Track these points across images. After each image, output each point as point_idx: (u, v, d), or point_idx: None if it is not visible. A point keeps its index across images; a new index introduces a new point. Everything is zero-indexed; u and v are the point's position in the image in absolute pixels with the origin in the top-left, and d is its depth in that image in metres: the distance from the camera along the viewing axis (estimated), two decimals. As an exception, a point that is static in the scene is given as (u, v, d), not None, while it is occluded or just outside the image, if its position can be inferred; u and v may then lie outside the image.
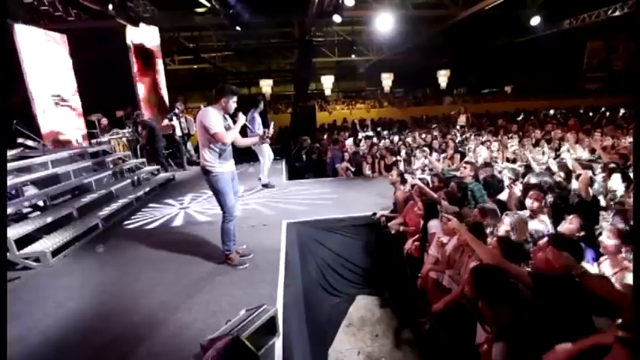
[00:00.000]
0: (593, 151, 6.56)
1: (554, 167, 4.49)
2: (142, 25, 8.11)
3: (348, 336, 3.85)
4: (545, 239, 2.04)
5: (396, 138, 8.74)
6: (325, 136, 9.31)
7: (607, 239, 2.21)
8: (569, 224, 2.56)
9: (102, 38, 8.11)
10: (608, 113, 11.44)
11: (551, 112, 13.66)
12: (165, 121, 7.88)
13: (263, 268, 3.12)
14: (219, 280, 2.97)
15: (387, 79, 18.81)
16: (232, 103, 2.99)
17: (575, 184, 3.77)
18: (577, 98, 16.14)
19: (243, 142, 3.33)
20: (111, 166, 6.10)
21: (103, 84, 7.90)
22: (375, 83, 20.10)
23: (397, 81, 19.06)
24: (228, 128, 2.99)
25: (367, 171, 6.51)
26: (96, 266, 3.43)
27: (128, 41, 8.25)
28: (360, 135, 9.59)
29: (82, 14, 7.52)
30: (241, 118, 3.10)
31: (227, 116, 3.03)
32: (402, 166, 6.32)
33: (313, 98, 17.68)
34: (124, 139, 7.47)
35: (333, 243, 4.32)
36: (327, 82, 18.44)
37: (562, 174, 4.13)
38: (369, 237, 4.39)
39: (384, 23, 9.48)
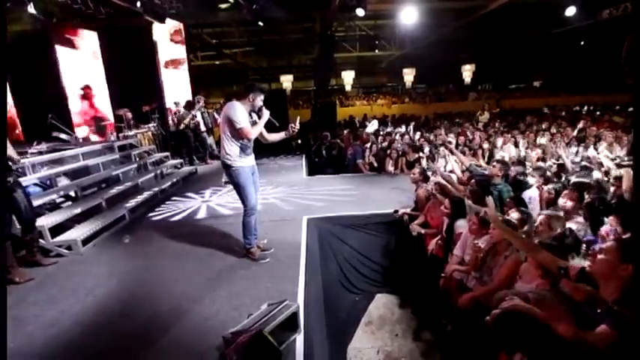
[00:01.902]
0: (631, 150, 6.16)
1: (608, 163, 4.21)
2: (168, 20, 8.29)
3: (367, 334, 3.81)
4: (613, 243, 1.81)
5: (418, 134, 8.53)
6: (346, 132, 9.21)
7: None
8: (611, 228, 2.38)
9: (130, 35, 8.33)
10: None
11: (585, 108, 12.91)
12: (189, 117, 8.04)
13: (284, 263, 3.12)
14: (240, 274, 3.00)
15: (408, 75, 18.38)
16: (259, 101, 3.01)
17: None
18: (614, 94, 15.19)
19: (272, 137, 3.29)
20: (137, 159, 6.29)
21: (130, 80, 8.15)
22: (397, 79, 19.71)
23: (419, 76, 18.59)
24: (253, 124, 3.02)
25: (389, 167, 6.39)
26: (122, 256, 3.55)
27: (155, 38, 8.46)
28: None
29: (111, 12, 7.74)
30: (266, 114, 3.07)
31: (253, 113, 3.05)
32: (424, 163, 6.16)
33: (333, 94, 17.56)
34: (149, 133, 7.68)
35: (353, 240, 4.26)
36: (348, 77, 18.23)
37: (601, 173, 3.87)
38: (390, 235, 4.31)
39: (409, 16, 9.23)
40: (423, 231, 3.65)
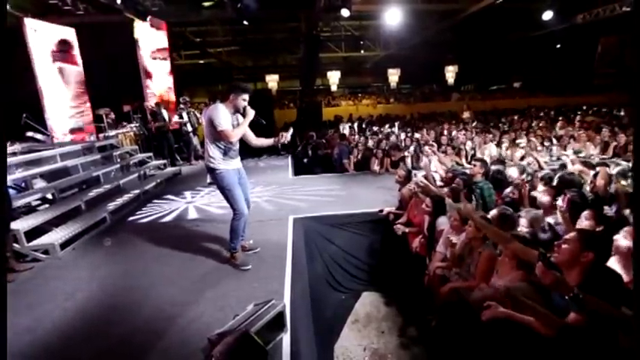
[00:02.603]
0: (604, 149, 6.45)
1: (570, 165, 4.40)
2: (149, 18, 8.11)
3: (354, 332, 3.84)
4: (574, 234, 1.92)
5: (403, 134, 8.65)
6: (331, 131, 9.25)
7: (622, 239, 2.13)
8: (586, 221, 2.48)
9: (110, 32, 8.10)
10: (622, 111, 11.21)
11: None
12: (176, 118, 7.90)
13: (270, 264, 3.11)
14: (226, 275, 2.97)
15: (393, 75, 18.62)
16: (241, 101, 2.88)
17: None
18: (589, 95, 15.83)
19: (259, 142, 3.16)
20: (118, 160, 6.14)
21: (110, 78, 7.93)
22: (382, 79, 19.91)
23: (404, 77, 18.85)
24: (238, 126, 2.93)
25: (375, 167, 6.46)
26: (103, 259, 3.46)
27: (136, 35, 8.26)
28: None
29: (90, 8, 7.51)
30: (250, 113, 2.93)
31: (239, 115, 2.95)
32: (409, 162, 6.25)
33: (319, 94, 17.58)
34: (131, 134, 7.50)
35: (339, 239, 4.29)
36: (334, 77, 18.30)
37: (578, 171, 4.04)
38: (375, 233, 4.36)
39: (393, 17, 9.36)
40: (407, 230, 3.72)
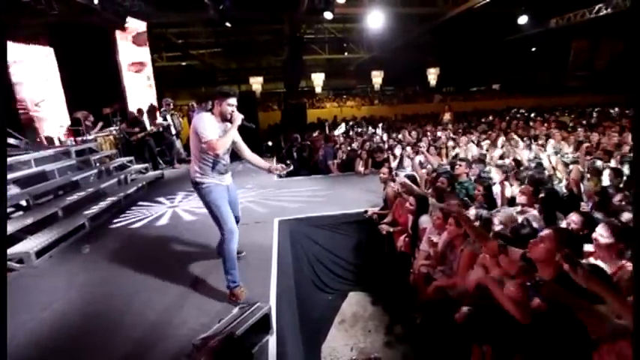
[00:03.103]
0: (578, 147, 6.73)
1: (546, 162, 4.57)
2: (129, 19, 7.94)
3: (341, 332, 3.86)
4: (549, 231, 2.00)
5: (385, 135, 8.77)
6: (316, 133, 9.28)
7: (601, 236, 2.15)
8: (570, 224, 2.53)
9: (88, 33, 7.87)
10: (594, 112, 11.74)
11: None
12: (160, 119, 7.74)
13: (255, 266, 3.09)
14: (210, 279, 2.93)
15: (377, 77, 18.85)
16: (226, 106, 2.56)
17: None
18: (563, 96, 16.49)
19: (253, 158, 2.89)
20: (97, 164, 5.96)
21: (88, 80, 7.70)
22: (366, 81, 20.12)
23: (387, 79, 19.11)
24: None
25: (360, 168, 6.52)
26: (82, 267, 3.35)
27: (115, 36, 8.06)
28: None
29: (66, 8, 7.27)
30: (237, 119, 2.59)
31: (227, 124, 2.62)
32: (394, 163, 6.34)
33: (304, 96, 17.60)
34: (111, 137, 7.31)
35: (325, 240, 4.31)
36: (318, 79, 18.37)
37: (552, 169, 4.21)
38: (360, 234, 4.40)
39: (375, 20, 9.50)
40: (391, 229, 3.77)
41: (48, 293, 2.88)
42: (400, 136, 8.39)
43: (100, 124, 7.21)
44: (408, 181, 3.71)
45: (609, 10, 9.46)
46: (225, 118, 2.60)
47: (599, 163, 4.18)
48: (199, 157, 2.58)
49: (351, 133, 9.47)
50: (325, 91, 20.64)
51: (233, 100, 2.59)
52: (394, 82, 20.44)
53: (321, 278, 4.25)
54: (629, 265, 1.97)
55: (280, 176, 2.79)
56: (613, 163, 4.44)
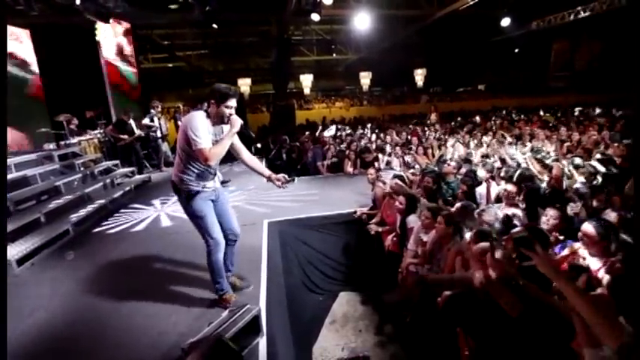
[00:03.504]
0: (561, 146, 6.93)
1: (521, 161, 4.70)
2: (112, 21, 7.80)
3: (332, 332, 3.87)
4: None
5: (374, 136, 8.85)
6: (305, 135, 9.29)
7: (589, 229, 2.21)
8: (549, 219, 2.62)
9: (70, 34, 7.70)
10: (576, 111, 12.10)
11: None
12: (146, 120, 7.61)
13: (245, 269, 3.07)
14: (199, 283, 2.90)
15: (365, 78, 18.99)
16: (224, 109, 2.21)
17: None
18: (545, 96, 16.94)
19: (252, 162, 2.55)
20: (81, 168, 5.83)
21: (71, 83, 7.53)
22: (354, 82, 20.25)
23: (375, 80, 19.28)
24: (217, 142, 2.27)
25: (348, 168, 6.55)
26: (67, 274, 3.27)
27: (98, 38, 7.91)
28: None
29: (46, 8, 7.09)
30: (235, 124, 2.25)
31: (224, 127, 2.32)
32: (383, 163, 6.40)
33: (292, 97, 17.60)
34: (95, 141, 7.16)
35: (314, 241, 4.32)
36: (306, 80, 18.40)
37: (534, 167, 4.32)
38: (350, 234, 4.43)
39: (362, 22, 9.58)
40: (380, 229, 3.81)
41: (31, 302, 2.80)
42: (388, 137, 8.48)
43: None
44: (399, 182, 3.76)
45: (588, 12, 9.78)
46: (222, 121, 2.28)
47: (578, 160, 4.31)
48: (185, 161, 2.27)
49: (339, 134, 9.51)
50: (314, 93, 20.69)
51: (233, 102, 2.23)
52: (382, 83, 20.63)
53: (312, 279, 4.25)
54: (615, 261, 2.05)
55: (282, 187, 2.48)
56: (594, 162, 4.59)
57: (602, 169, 3.74)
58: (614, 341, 1.12)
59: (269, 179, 2.49)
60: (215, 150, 2.21)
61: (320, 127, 11.27)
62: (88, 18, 6.89)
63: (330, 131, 10.07)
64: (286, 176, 2.48)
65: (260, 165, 2.65)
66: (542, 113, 12.42)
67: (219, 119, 2.27)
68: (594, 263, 2.16)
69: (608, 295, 1.58)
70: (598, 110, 11.56)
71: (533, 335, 1.72)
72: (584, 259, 2.21)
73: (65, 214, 4.39)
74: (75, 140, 6.59)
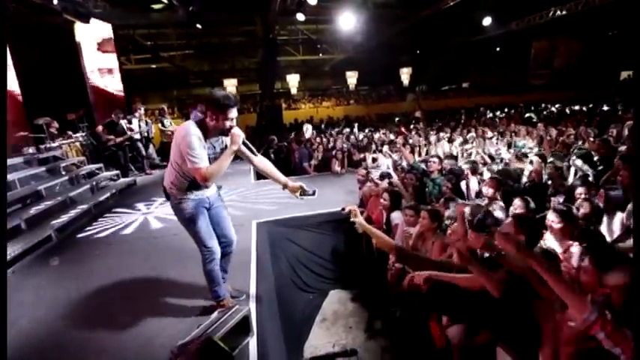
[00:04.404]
0: (540, 142, 7.15)
1: (508, 157, 4.84)
2: (92, 21, 7.63)
3: (323, 330, 3.90)
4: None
5: (361, 135, 8.92)
6: (292, 135, 9.30)
7: (553, 222, 2.41)
8: (516, 209, 2.76)
9: (48, 35, 7.48)
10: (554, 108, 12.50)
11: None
12: (123, 124, 7.44)
13: (234, 270, 3.06)
14: (187, 286, 2.89)
15: (351, 77, 19.10)
16: (224, 122, 2.01)
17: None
18: (526, 94, 17.41)
19: (269, 170, 2.38)
20: (63, 172, 5.69)
21: (50, 85, 7.32)
22: (341, 81, 20.35)
23: (362, 79, 19.42)
24: (216, 158, 2.10)
25: (336, 167, 6.60)
26: (51, 280, 3.21)
27: (77, 39, 7.72)
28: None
29: (22, 8, 6.88)
30: (235, 141, 2.05)
31: (224, 139, 2.16)
32: (370, 162, 6.47)
33: (279, 97, 17.56)
34: (77, 144, 6.98)
35: (303, 240, 4.34)
36: (293, 80, 18.38)
37: (515, 163, 4.46)
38: (339, 233, 4.46)
39: (347, 22, 9.64)
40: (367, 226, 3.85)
41: (14, 310, 2.72)
42: (377, 135, 8.57)
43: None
44: (399, 183, 3.84)
45: (564, 12, 10.11)
46: (220, 133, 2.10)
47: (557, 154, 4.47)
48: (179, 172, 2.14)
49: (327, 133, 9.54)
50: (301, 92, 20.69)
51: (233, 112, 2.01)
52: (369, 82, 20.80)
53: (302, 278, 4.27)
54: (576, 244, 2.23)
55: (298, 197, 2.31)
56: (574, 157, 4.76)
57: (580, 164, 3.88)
58: (582, 315, 1.29)
59: (285, 187, 2.32)
60: (212, 170, 2.03)
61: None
62: (66, 18, 6.72)
63: (307, 132, 9.95)
64: (304, 186, 2.28)
65: (274, 170, 2.40)
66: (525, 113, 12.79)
67: (217, 132, 2.08)
68: (558, 247, 2.34)
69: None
70: (576, 107, 11.98)
71: (517, 313, 1.80)
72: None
73: (47, 219, 4.29)
74: (56, 144, 6.42)
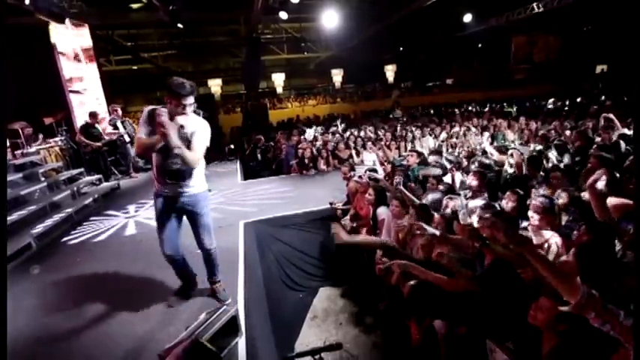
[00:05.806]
0: (521, 135, 7.34)
1: (491, 150, 4.94)
2: (67, 21, 7.38)
3: (313, 328, 3.91)
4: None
5: (348, 132, 8.95)
6: (279, 134, 9.25)
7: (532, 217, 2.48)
8: (508, 203, 2.82)
9: (22, 36, 7.21)
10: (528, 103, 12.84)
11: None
12: (109, 128, 7.27)
13: (222, 270, 3.04)
14: (174, 288, 2.85)
15: (337, 75, 19.11)
16: (176, 108, 2.09)
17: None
18: (508, 89, 17.79)
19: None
20: (42, 179, 5.51)
21: (24, 88, 7.05)
22: (326, 79, 20.34)
23: (347, 77, 19.44)
24: (187, 141, 2.13)
25: (322, 166, 6.61)
26: (31, 289, 3.11)
27: (53, 40, 7.46)
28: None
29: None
30: (163, 130, 1.99)
31: (189, 124, 2.17)
32: (357, 159, 6.50)
33: (265, 96, 17.42)
34: (56, 149, 6.77)
35: (291, 239, 4.34)
36: (278, 79, 18.27)
37: (497, 156, 4.56)
38: (327, 230, 4.45)
39: (330, 19, 9.63)
40: (354, 224, 3.88)
41: (-9, 321, 2.64)
42: (362, 133, 8.61)
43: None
44: (404, 190, 3.88)
45: (541, 8, 10.34)
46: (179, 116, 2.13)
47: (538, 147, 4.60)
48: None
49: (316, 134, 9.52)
50: (287, 92, 20.58)
51: (188, 100, 2.10)
52: (354, 80, 20.83)
53: (291, 277, 4.26)
54: (554, 236, 2.33)
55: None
56: (553, 149, 4.91)
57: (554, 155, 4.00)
58: (574, 298, 1.31)
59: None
60: (139, 141, 2.16)
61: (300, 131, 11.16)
62: (40, 18, 6.49)
63: (309, 135, 9.85)
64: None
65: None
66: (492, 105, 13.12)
67: (174, 114, 2.12)
68: (540, 236, 2.43)
69: (573, 260, 1.78)
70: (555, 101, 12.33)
71: (497, 305, 1.85)
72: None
73: (27, 227, 4.15)
74: (33, 149, 6.22)
